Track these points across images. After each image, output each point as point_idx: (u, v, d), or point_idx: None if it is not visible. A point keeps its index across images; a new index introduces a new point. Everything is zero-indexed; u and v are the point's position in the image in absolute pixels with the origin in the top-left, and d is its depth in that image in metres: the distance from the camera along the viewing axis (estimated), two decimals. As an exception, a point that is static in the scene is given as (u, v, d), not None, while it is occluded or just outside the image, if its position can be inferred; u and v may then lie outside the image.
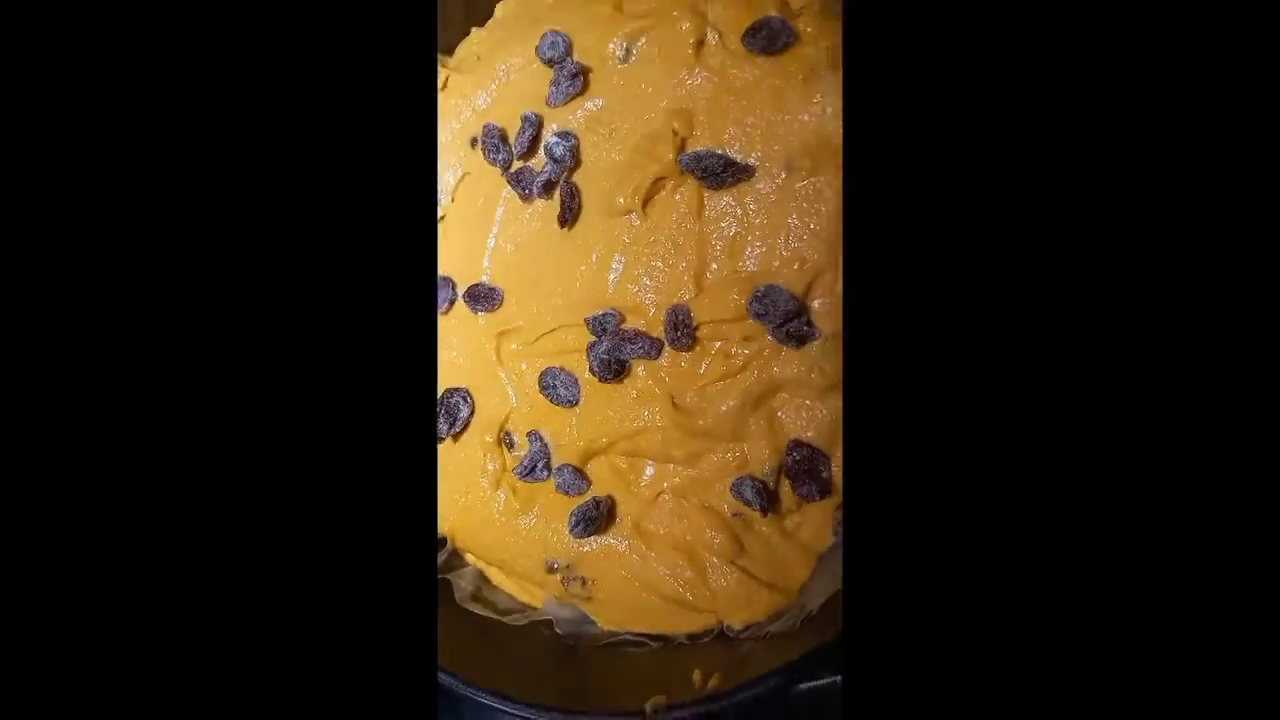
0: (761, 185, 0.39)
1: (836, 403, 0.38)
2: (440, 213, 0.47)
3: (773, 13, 0.39)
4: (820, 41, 0.38)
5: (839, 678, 0.32)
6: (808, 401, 0.38)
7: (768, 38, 0.39)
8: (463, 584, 0.44)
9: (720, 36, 0.40)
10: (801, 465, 0.37)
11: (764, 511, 0.38)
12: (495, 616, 0.43)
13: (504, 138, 0.44)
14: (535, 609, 0.44)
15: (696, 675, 0.36)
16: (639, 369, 0.40)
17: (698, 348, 0.39)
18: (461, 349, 0.45)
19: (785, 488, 0.38)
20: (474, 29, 0.47)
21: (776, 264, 0.38)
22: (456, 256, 0.46)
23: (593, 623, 0.42)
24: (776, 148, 0.39)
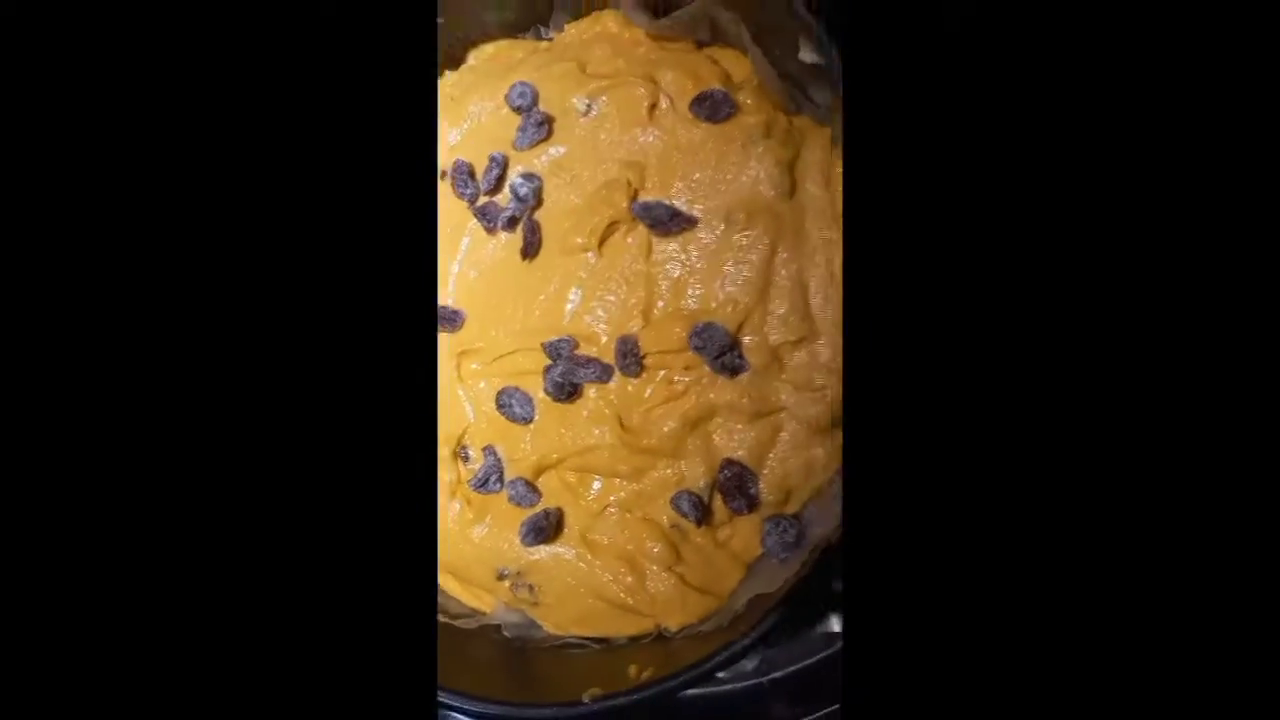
0: (703, 235, 0.44)
1: (764, 426, 0.43)
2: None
3: (717, 85, 0.45)
4: (757, 114, 0.44)
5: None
6: (739, 425, 0.43)
7: (711, 107, 0.44)
8: (415, 591, 0.47)
9: (671, 102, 0.45)
10: (732, 481, 0.42)
11: (699, 523, 0.42)
12: (447, 620, 0.46)
13: (472, 173, 0.48)
14: (485, 614, 0.47)
15: (632, 669, 0.40)
16: (590, 391, 0.44)
17: (644, 374, 0.44)
18: (423, 368, 0.48)
19: (718, 502, 0.43)
20: (448, 71, 0.51)
21: (714, 304, 0.43)
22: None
23: (538, 627, 0.46)
24: (717, 202, 0.44)
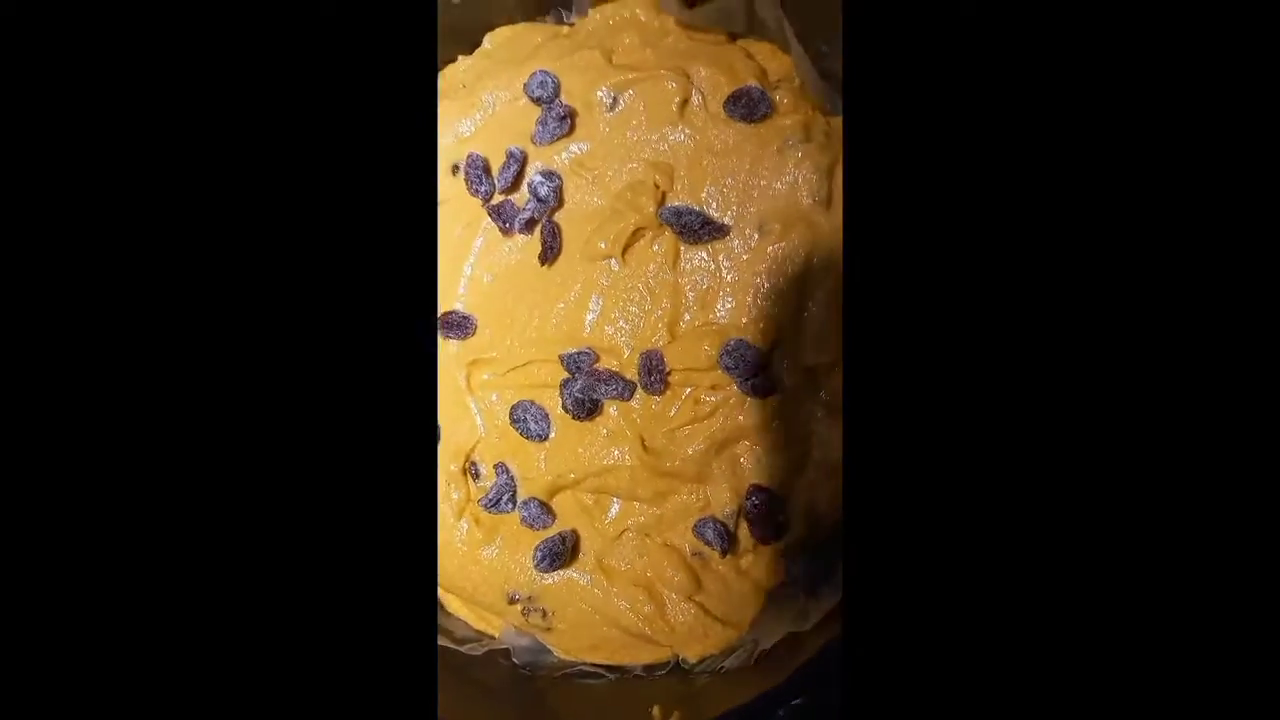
0: (735, 244, 0.41)
1: (795, 451, 0.40)
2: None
3: (753, 82, 0.42)
4: (795, 115, 0.41)
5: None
6: (768, 450, 0.40)
7: (747, 106, 0.41)
8: (418, 612, 0.44)
9: (704, 99, 0.42)
10: (760, 509, 0.40)
11: (724, 552, 0.40)
12: (453, 646, 0.43)
13: (487, 169, 0.44)
14: (493, 638, 0.44)
15: (656, 711, 0.37)
16: (611, 409, 0.42)
17: (669, 392, 0.41)
18: (431, 377, 0.45)
19: (743, 529, 0.41)
20: (460, 56, 0.48)
21: (744, 320, 0.41)
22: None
23: (549, 652, 0.43)
24: (751, 210, 0.41)
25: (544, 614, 0.43)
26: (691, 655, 0.41)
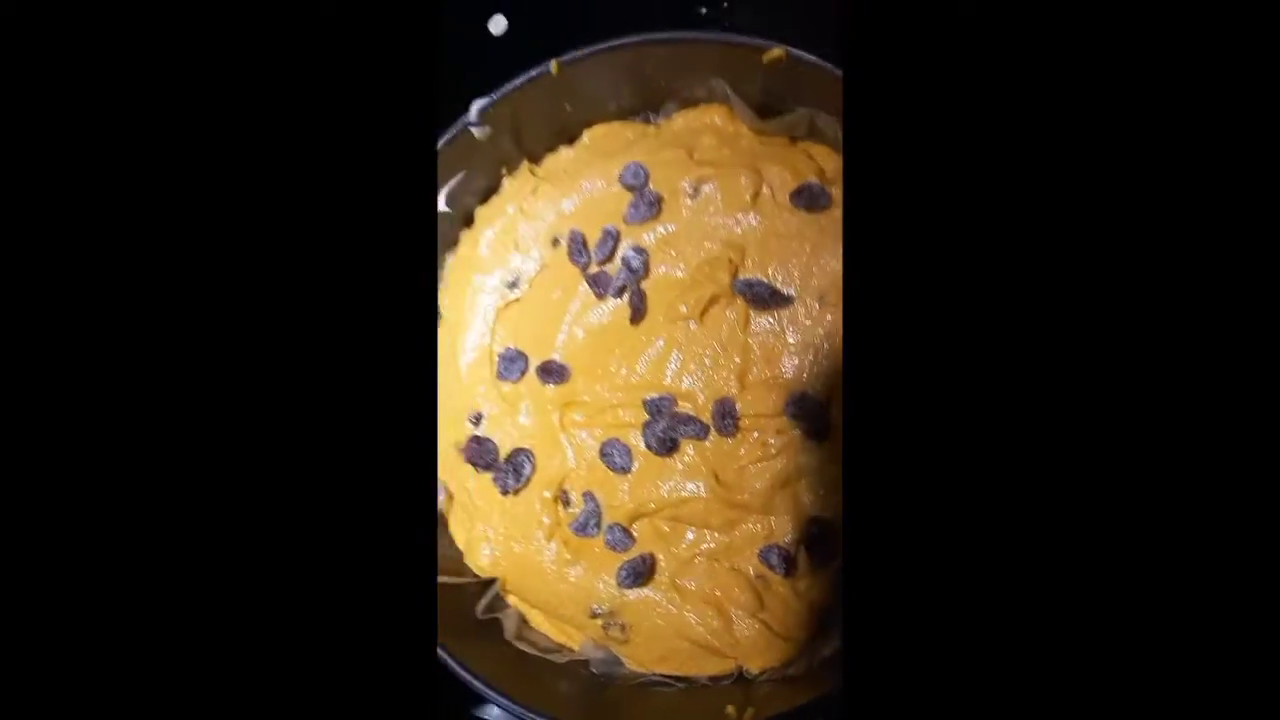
0: (799, 311, 0.49)
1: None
2: (518, 295, 0.55)
3: (813, 179, 0.51)
4: (850, 207, 0.50)
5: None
6: (826, 486, 0.47)
7: (809, 198, 0.50)
8: (509, 624, 0.50)
9: (772, 191, 0.51)
10: (818, 538, 0.46)
11: (785, 575, 0.46)
12: (539, 654, 0.49)
13: (585, 243, 0.53)
14: (573, 650, 0.50)
15: (731, 709, 0.43)
16: (688, 447, 0.49)
17: (739, 435, 0.48)
18: (531, 414, 0.52)
19: (802, 555, 0.47)
20: (562, 147, 0.57)
21: (805, 376, 0.48)
22: (531, 335, 0.54)
23: (622, 664, 0.49)
24: (812, 283, 0.49)
25: (622, 628, 0.49)
26: (754, 666, 0.46)
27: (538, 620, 0.52)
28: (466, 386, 0.53)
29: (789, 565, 0.46)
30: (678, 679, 0.48)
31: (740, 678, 0.47)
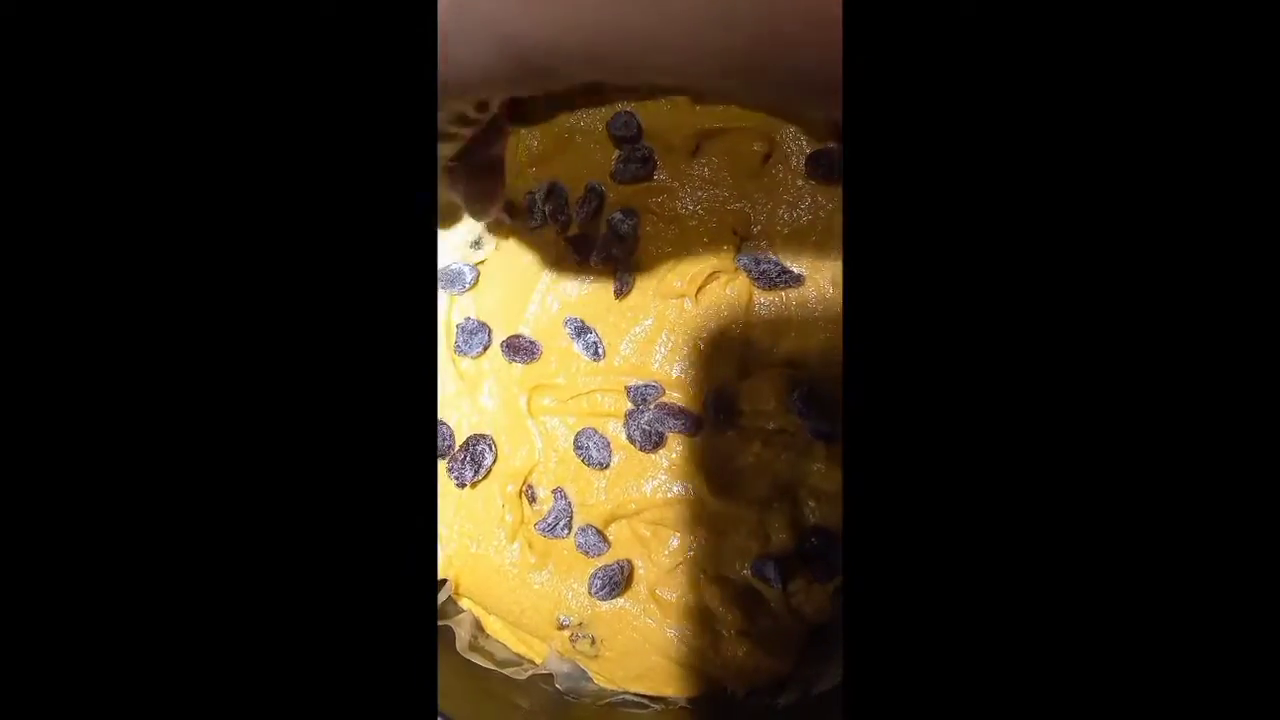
0: (809, 293, 0.43)
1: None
2: (482, 257, 0.47)
3: (833, 144, 0.44)
4: (871, 178, 0.44)
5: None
6: (829, 492, 0.42)
7: (827, 166, 0.44)
8: (462, 632, 0.44)
9: (786, 155, 0.44)
10: (819, 549, 0.42)
11: (780, 589, 0.41)
12: (495, 668, 0.43)
13: (566, 200, 0.45)
14: (535, 663, 0.44)
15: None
16: (675, 442, 0.43)
17: (736, 431, 0.43)
18: (494, 396, 0.45)
19: (799, 568, 0.42)
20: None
21: (812, 366, 0.43)
22: (496, 304, 0.46)
23: (591, 679, 0.44)
24: (824, 263, 0.43)
25: (593, 641, 0.43)
26: (740, 688, 0.42)
27: (495, 629, 0.46)
28: (420, 361, 0.46)
29: (783, 578, 0.41)
30: (653, 699, 0.43)
31: (723, 701, 0.42)
